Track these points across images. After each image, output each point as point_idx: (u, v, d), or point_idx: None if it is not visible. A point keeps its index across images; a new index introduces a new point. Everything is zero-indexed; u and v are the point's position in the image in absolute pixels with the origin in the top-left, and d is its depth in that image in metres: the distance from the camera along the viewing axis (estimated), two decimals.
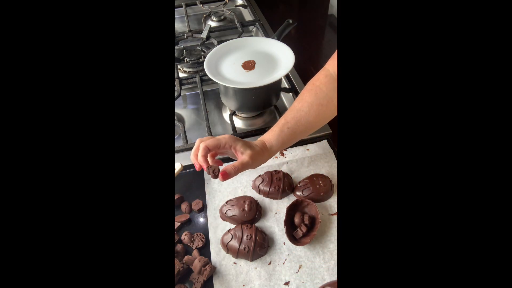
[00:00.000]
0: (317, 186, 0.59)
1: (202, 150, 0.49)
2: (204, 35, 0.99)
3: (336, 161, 0.66)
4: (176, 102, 0.83)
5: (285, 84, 0.86)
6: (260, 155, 0.52)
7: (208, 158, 0.51)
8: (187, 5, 1.19)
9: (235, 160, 0.51)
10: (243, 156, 0.50)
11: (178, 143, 0.70)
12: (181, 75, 0.90)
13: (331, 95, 0.54)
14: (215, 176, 0.48)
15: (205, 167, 0.49)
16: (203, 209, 0.60)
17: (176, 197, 0.59)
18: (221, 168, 0.49)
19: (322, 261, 0.51)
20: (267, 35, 1.00)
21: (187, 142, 0.70)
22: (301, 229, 0.53)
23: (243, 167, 0.49)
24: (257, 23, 1.08)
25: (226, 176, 0.48)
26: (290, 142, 0.56)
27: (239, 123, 0.78)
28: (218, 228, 0.56)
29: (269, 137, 0.54)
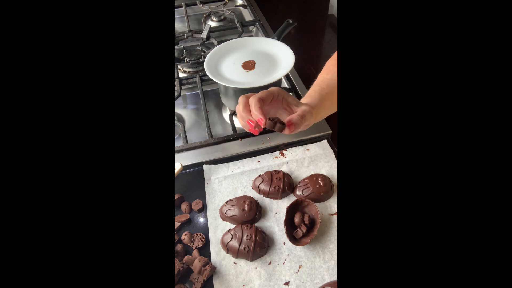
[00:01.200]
0: (317, 186, 0.59)
1: (256, 102, 0.42)
2: (204, 35, 0.99)
3: (336, 161, 0.66)
4: (176, 102, 0.83)
5: (285, 84, 0.86)
6: (311, 111, 0.47)
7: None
8: (187, 5, 1.19)
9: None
10: (301, 107, 0.45)
11: (178, 143, 0.70)
12: (181, 75, 0.90)
13: None
14: (281, 128, 0.43)
15: (263, 120, 0.42)
16: (203, 209, 0.60)
17: (176, 197, 0.59)
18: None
19: (322, 261, 0.51)
20: (267, 35, 1.00)
21: (187, 142, 0.70)
22: (301, 229, 0.53)
23: (306, 114, 0.45)
24: (257, 23, 1.08)
25: (292, 126, 0.43)
26: (329, 108, 0.52)
27: (239, 123, 0.78)
28: (218, 228, 0.56)
29: (309, 100, 0.50)
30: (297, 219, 0.55)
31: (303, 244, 0.52)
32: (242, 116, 0.45)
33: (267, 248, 0.53)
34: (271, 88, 0.46)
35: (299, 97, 0.79)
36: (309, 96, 0.51)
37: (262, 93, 0.44)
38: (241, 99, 0.45)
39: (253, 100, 0.43)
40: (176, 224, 0.56)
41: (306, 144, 0.70)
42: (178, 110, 0.84)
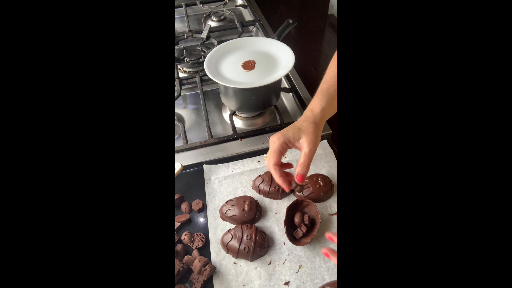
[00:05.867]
0: (317, 186, 0.59)
1: (275, 173, 0.49)
2: (204, 35, 0.99)
3: (336, 161, 0.66)
4: (176, 102, 0.83)
5: (285, 84, 0.86)
6: (316, 130, 0.49)
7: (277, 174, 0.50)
8: (187, 5, 1.19)
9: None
10: (304, 147, 0.49)
11: (178, 143, 0.70)
12: (181, 75, 0.90)
13: None
14: (301, 189, 0.53)
15: (286, 188, 0.50)
16: (203, 209, 0.60)
17: (176, 197, 0.59)
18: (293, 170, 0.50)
19: (322, 261, 0.51)
20: (267, 35, 1.00)
21: (187, 142, 0.70)
22: (301, 229, 0.53)
23: (311, 156, 0.48)
24: (257, 23, 1.08)
25: (303, 178, 0.48)
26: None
27: (239, 123, 0.78)
28: (218, 228, 0.56)
29: (316, 103, 0.51)
30: (297, 219, 0.55)
31: (303, 244, 0.52)
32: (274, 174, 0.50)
33: (267, 248, 0.53)
34: (274, 146, 0.49)
35: (299, 97, 0.79)
36: (316, 98, 0.52)
37: (274, 157, 0.48)
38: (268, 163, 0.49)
39: (272, 171, 0.49)
40: (176, 224, 0.56)
41: None
42: (178, 110, 0.84)
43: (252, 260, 0.52)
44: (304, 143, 0.48)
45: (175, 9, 1.19)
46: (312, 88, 0.76)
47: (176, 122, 0.74)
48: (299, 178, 0.48)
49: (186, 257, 0.51)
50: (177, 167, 0.61)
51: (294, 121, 0.52)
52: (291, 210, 0.56)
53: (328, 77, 0.54)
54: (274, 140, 0.49)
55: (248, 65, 0.72)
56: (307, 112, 0.52)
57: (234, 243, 0.51)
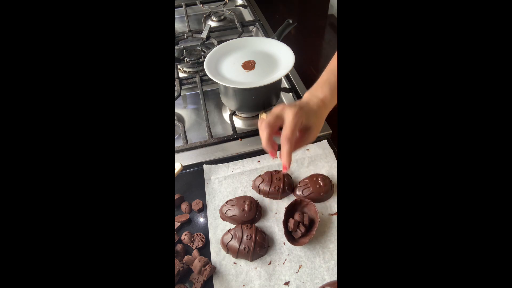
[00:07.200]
0: (317, 186, 0.59)
1: (266, 139, 0.46)
2: (204, 35, 0.99)
3: (336, 161, 0.66)
4: (176, 102, 0.83)
5: (285, 84, 0.86)
6: (323, 113, 0.49)
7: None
8: (187, 5, 1.19)
9: None
10: (310, 134, 0.49)
11: (178, 143, 0.70)
12: (181, 75, 0.90)
13: None
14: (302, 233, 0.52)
15: (273, 154, 0.47)
16: (203, 209, 0.60)
17: (176, 197, 0.59)
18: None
19: (322, 261, 0.51)
20: (267, 35, 1.00)
21: (187, 142, 0.70)
22: (299, 229, 0.53)
23: (288, 135, 0.44)
24: (257, 23, 1.08)
25: (286, 166, 0.46)
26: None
27: (239, 123, 0.78)
28: (218, 228, 0.56)
29: (327, 94, 0.49)
30: (293, 220, 0.54)
31: (301, 244, 0.52)
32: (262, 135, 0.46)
33: (267, 248, 0.53)
34: (278, 111, 0.46)
35: (299, 97, 0.79)
36: (321, 87, 0.51)
37: (271, 119, 0.45)
38: (266, 122, 0.46)
39: (263, 133, 0.45)
40: (176, 224, 0.56)
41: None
42: (178, 110, 0.84)
43: (252, 260, 0.52)
44: (314, 132, 0.49)
45: (175, 9, 1.19)
46: None
47: (176, 122, 0.74)
48: (284, 168, 0.46)
49: (186, 257, 0.51)
50: (177, 167, 0.61)
51: (307, 100, 0.50)
52: (290, 211, 0.56)
53: (332, 66, 0.52)
54: (295, 113, 0.45)
55: (248, 65, 0.72)
56: (319, 100, 0.50)
57: (234, 243, 0.51)
